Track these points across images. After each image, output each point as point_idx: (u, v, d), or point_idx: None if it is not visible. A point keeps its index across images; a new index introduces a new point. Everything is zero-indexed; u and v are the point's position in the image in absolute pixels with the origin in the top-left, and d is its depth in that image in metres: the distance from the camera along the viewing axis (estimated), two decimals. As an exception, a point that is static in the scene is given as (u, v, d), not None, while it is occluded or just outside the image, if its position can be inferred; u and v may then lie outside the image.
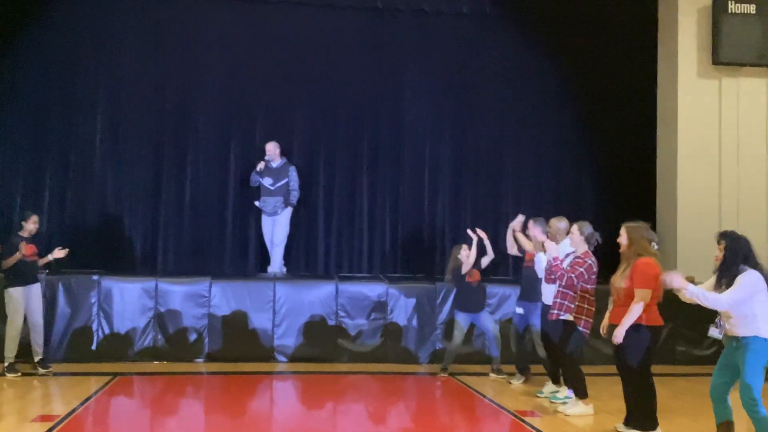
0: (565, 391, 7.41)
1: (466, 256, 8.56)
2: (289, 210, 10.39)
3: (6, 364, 8.19)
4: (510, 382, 8.35)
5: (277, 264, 10.41)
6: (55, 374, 8.32)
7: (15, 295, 8.20)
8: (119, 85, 10.91)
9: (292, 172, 10.39)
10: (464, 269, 8.55)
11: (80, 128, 10.80)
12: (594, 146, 11.76)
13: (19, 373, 8.18)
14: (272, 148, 10.33)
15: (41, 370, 8.29)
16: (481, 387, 8.17)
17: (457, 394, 8.12)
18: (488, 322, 8.69)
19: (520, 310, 8.29)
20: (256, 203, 10.45)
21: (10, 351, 8.19)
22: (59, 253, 8.48)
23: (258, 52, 11.16)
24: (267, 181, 10.25)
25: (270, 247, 10.47)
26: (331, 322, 9.50)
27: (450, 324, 9.34)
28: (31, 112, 10.70)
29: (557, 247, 7.30)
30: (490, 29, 11.67)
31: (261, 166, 10.28)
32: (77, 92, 10.81)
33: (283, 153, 10.66)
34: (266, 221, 10.43)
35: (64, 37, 10.77)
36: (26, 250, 8.20)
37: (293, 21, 11.23)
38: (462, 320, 8.66)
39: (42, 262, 8.52)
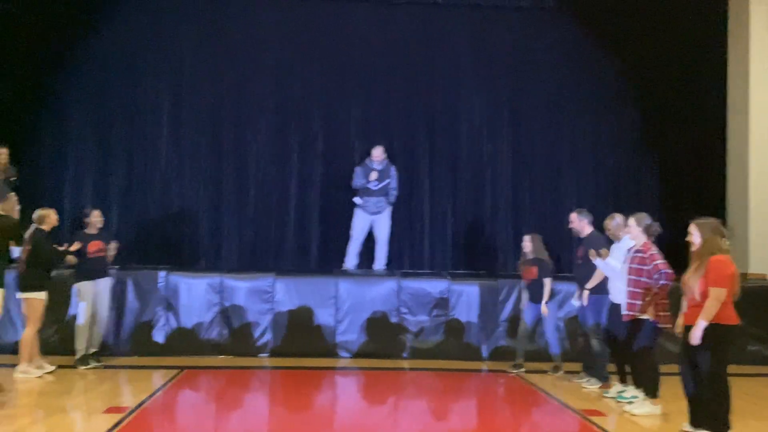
0: (631, 391, 7.25)
1: (526, 247, 8.55)
2: (390, 209, 10.46)
3: (78, 357, 8.44)
4: (570, 380, 8.21)
5: (382, 261, 10.50)
6: (106, 367, 8.49)
7: (83, 289, 8.44)
8: (180, 85, 11.16)
9: (394, 172, 10.44)
10: (522, 263, 8.55)
11: (144, 129, 11.10)
12: (658, 138, 11.50)
13: (91, 365, 8.44)
14: (380, 154, 10.36)
15: (93, 363, 8.50)
16: (545, 385, 8.05)
17: (521, 391, 8.03)
18: (547, 317, 8.57)
19: (577, 303, 8.16)
20: (356, 200, 10.47)
21: (81, 344, 8.44)
22: (112, 246, 8.68)
23: (315, 49, 11.28)
24: (372, 184, 10.32)
25: (358, 242, 10.51)
26: (393, 319, 9.51)
27: (513, 321, 9.28)
28: (98, 115, 11.04)
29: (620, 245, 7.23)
30: (549, 22, 11.52)
31: (374, 176, 10.27)
32: (140, 94, 11.10)
33: (341, 149, 10.73)
34: (363, 219, 10.45)
35: (127, 41, 11.08)
36: (90, 246, 8.43)
37: (349, 17, 11.32)
38: (525, 309, 8.66)
39: (109, 257, 8.71)
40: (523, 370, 8.66)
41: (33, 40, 10.78)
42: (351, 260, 10.53)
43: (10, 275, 8.04)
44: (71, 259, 8.29)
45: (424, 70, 11.40)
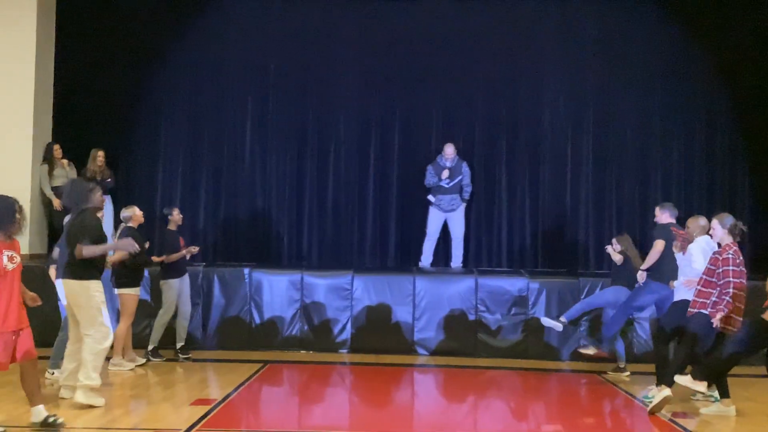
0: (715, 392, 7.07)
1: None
2: (464, 206, 10.52)
3: (150, 349, 8.68)
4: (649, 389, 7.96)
5: (459, 259, 10.54)
6: (194, 360, 8.77)
7: (173, 285, 8.73)
8: (265, 87, 11.40)
9: (466, 169, 10.49)
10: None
11: (231, 129, 11.37)
12: (751, 136, 11.06)
13: (164, 358, 8.69)
14: (451, 151, 10.43)
15: (181, 356, 8.76)
16: (629, 386, 7.92)
17: (604, 392, 7.91)
18: (612, 317, 8.31)
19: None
20: (431, 197, 10.56)
21: (156, 339, 8.72)
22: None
23: (395, 48, 11.31)
24: (444, 181, 10.39)
25: (433, 240, 10.58)
26: (471, 317, 9.49)
27: (595, 321, 9.16)
28: (187, 116, 11.38)
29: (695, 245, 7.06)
30: (636, 13, 11.23)
31: (446, 173, 10.34)
32: (227, 95, 11.38)
33: (421, 147, 10.76)
34: (437, 217, 10.52)
35: (214, 45, 11.36)
36: (181, 241, 8.78)
37: (429, 16, 11.29)
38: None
39: (183, 253, 8.85)
40: (627, 374, 8.41)
41: (127, 47, 11.20)
42: (427, 258, 10.60)
43: (107, 272, 8.36)
44: (173, 257, 8.57)
45: (505, 65, 11.28)
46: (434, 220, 10.55)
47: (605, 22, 11.27)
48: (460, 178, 10.39)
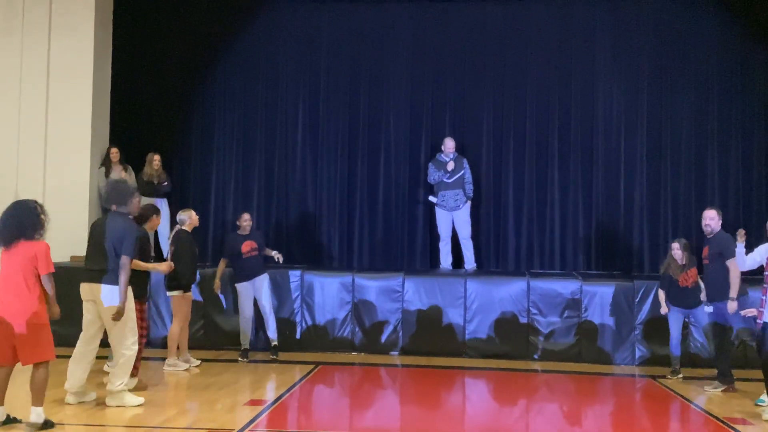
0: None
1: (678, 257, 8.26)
2: (469, 204, 10.46)
3: (241, 350, 8.92)
4: (705, 389, 7.80)
5: (472, 260, 10.50)
6: (250, 361, 8.89)
7: (241, 289, 8.91)
8: (317, 89, 11.47)
9: (467, 164, 10.45)
10: (672, 271, 8.26)
11: (282, 132, 11.48)
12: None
13: (247, 360, 8.87)
14: (452, 145, 10.44)
15: (241, 359, 8.89)
16: (686, 391, 7.75)
17: (659, 397, 7.76)
18: (703, 318, 8.14)
19: (709, 309, 7.78)
20: (432, 199, 10.52)
21: (244, 339, 8.93)
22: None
23: (445, 49, 11.29)
24: (447, 176, 10.36)
25: (448, 241, 10.53)
26: (523, 320, 9.40)
27: (649, 324, 8.99)
28: (240, 119, 11.53)
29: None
30: (692, 10, 10.99)
31: (451, 165, 10.34)
32: (279, 98, 11.49)
33: (472, 149, 10.71)
34: (445, 217, 10.47)
35: (267, 46, 11.51)
36: (244, 246, 8.90)
37: (480, 16, 11.25)
38: (673, 316, 8.36)
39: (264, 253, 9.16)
40: (680, 376, 8.35)
41: (180, 52, 11.45)
42: (446, 260, 10.54)
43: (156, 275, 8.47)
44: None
45: (557, 63, 11.14)
46: (443, 221, 10.49)
47: (659, 19, 11.04)
48: (462, 172, 10.33)
